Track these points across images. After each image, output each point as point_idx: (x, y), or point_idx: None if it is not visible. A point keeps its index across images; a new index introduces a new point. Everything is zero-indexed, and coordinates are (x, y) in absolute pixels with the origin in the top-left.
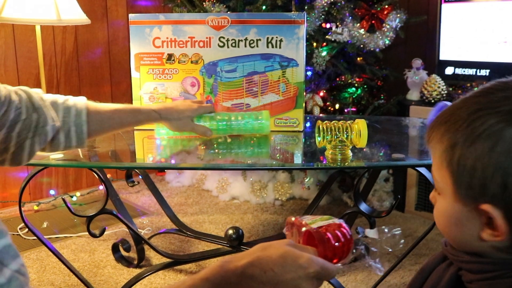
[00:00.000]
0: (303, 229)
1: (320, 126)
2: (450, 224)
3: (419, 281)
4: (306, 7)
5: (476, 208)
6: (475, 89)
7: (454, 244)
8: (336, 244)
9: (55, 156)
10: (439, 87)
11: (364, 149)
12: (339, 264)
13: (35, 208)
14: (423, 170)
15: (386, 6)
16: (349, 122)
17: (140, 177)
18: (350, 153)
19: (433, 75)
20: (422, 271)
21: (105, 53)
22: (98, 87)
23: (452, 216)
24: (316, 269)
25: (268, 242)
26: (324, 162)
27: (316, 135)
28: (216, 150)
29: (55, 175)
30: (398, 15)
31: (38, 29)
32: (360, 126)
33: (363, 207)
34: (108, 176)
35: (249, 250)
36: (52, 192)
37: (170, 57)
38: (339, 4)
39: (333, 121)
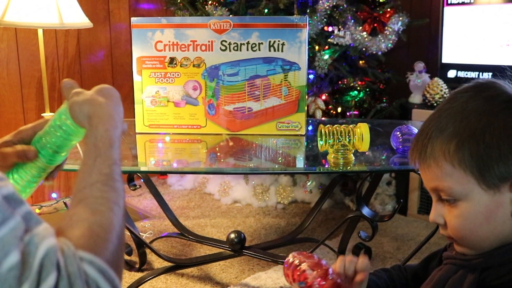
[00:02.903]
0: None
1: (322, 130)
2: (479, 223)
3: None
4: (308, 11)
5: (509, 186)
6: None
7: (479, 247)
8: None
9: None
10: (441, 90)
11: (367, 153)
12: None
13: (37, 211)
14: None
15: (389, 9)
16: (351, 126)
17: (142, 180)
18: (352, 157)
19: (436, 78)
20: (434, 284)
21: (107, 57)
22: None
23: (481, 212)
24: None
25: None
26: (327, 166)
27: (318, 139)
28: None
29: (57, 178)
30: (401, 18)
31: (40, 32)
32: (363, 130)
33: (366, 211)
34: None
35: None
36: (54, 195)
37: (172, 60)
38: (341, 7)
39: (335, 125)
